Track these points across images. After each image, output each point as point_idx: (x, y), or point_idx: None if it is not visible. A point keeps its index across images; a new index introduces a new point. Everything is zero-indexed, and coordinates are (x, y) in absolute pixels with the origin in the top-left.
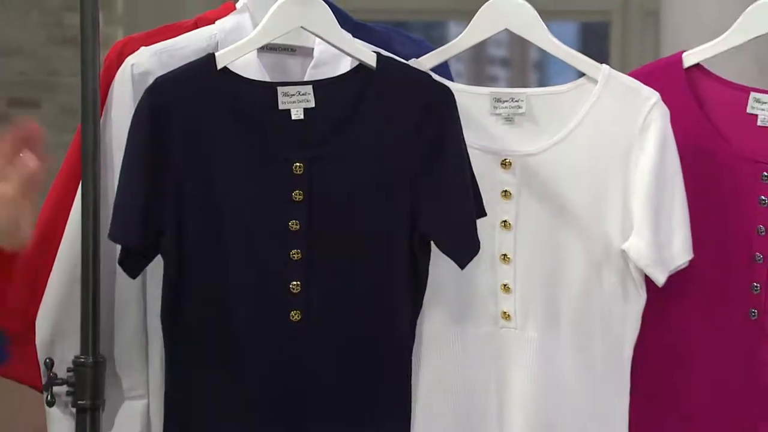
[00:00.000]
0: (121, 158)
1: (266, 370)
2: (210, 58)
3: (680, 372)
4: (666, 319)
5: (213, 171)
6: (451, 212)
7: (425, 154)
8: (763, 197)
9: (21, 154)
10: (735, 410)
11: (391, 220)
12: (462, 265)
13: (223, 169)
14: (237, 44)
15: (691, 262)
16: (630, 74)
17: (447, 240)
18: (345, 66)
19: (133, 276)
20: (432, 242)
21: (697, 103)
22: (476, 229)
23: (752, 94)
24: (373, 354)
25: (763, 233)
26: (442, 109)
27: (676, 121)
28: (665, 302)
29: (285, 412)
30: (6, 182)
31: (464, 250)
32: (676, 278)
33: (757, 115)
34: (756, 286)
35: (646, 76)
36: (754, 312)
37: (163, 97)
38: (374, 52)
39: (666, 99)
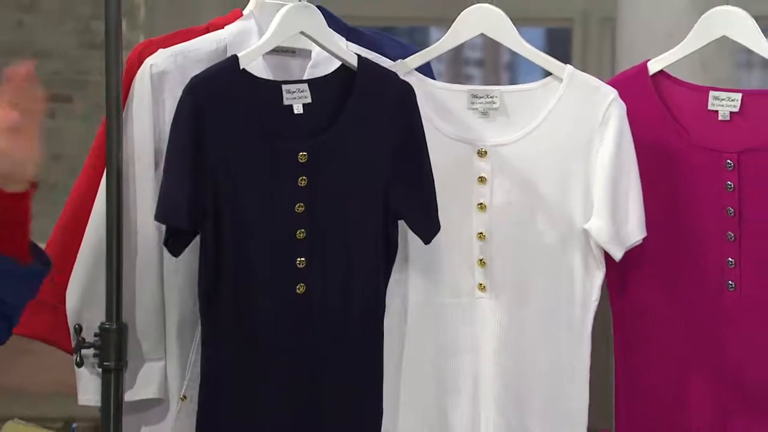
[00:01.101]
0: (140, 146)
1: (278, 336)
2: (234, 60)
3: (659, 338)
4: (649, 295)
5: (237, 159)
6: (419, 195)
7: (398, 143)
8: (729, 182)
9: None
10: (711, 371)
11: (374, 201)
12: (426, 241)
13: (245, 157)
14: (254, 47)
15: (671, 243)
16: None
17: (415, 219)
18: (337, 66)
19: (176, 255)
20: (400, 220)
21: (664, 105)
22: (437, 210)
23: (711, 93)
24: (359, 320)
25: (732, 214)
26: (409, 103)
27: (647, 123)
28: (646, 279)
29: (293, 367)
30: None
31: (429, 228)
32: (656, 258)
33: (717, 111)
34: (731, 261)
35: (618, 83)
36: (731, 284)
37: (199, 96)
38: (355, 54)
39: (636, 103)
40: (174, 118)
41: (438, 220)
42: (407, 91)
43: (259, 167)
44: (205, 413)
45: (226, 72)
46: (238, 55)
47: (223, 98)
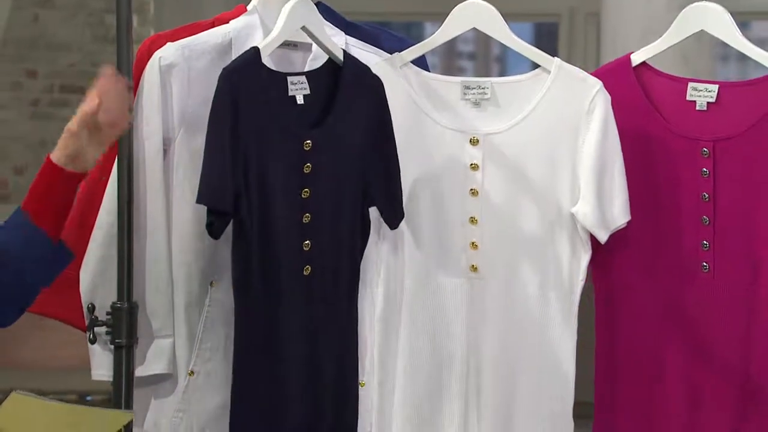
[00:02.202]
0: (149, 133)
1: (292, 318)
2: (256, 52)
3: (638, 316)
4: (629, 275)
5: (261, 146)
6: (389, 184)
7: (374, 133)
8: (704, 169)
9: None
10: (685, 347)
11: (357, 188)
12: (392, 227)
13: (265, 145)
14: (269, 40)
15: (651, 226)
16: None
17: (385, 206)
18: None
19: (216, 237)
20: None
21: (645, 95)
22: (402, 198)
23: (690, 84)
24: (344, 296)
25: (707, 199)
26: (382, 96)
27: (629, 111)
28: (627, 260)
29: (301, 335)
30: (73, 119)
31: (395, 215)
32: (637, 240)
33: (695, 101)
34: (705, 244)
35: (602, 74)
36: (705, 265)
37: (233, 85)
38: (342, 49)
39: (619, 93)
40: (213, 107)
41: (402, 208)
42: (379, 84)
43: (276, 154)
44: (240, 375)
45: (251, 64)
46: (260, 47)
47: (250, 89)
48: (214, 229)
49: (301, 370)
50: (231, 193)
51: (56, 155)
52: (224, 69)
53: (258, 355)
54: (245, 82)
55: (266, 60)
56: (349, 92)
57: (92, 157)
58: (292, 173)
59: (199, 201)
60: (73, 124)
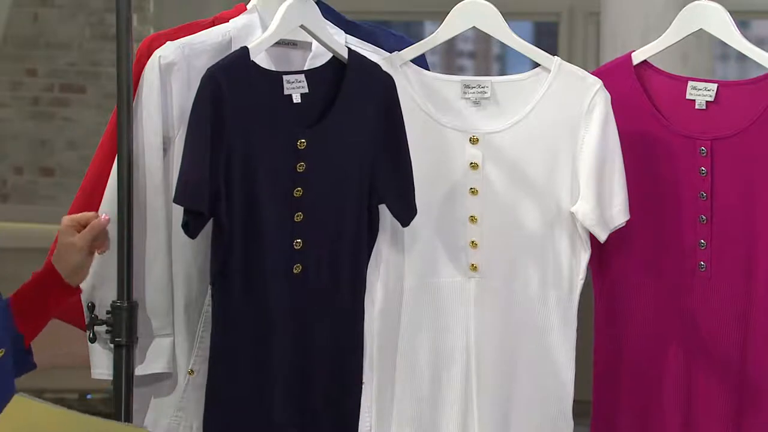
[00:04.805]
0: (149, 133)
1: (279, 314)
2: (245, 52)
3: (637, 314)
4: (628, 273)
5: (247, 146)
6: (400, 181)
7: (382, 132)
8: (702, 168)
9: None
10: (684, 346)
11: (360, 186)
12: (404, 224)
13: (253, 144)
14: (261, 39)
15: (649, 224)
16: (591, 72)
17: (395, 203)
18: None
19: (193, 237)
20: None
21: (645, 94)
22: (415, 195)
23: (689, 83)
24: (346, 296)
25: (705, 198)
26: (392, 93)
27: (629, 110)
28: (626, 258)
29: (292, 343)
30: (77, 235)
31: (407, 212)
32: (636, 238)
33: (694, 100)
34: (703, 243)
35: (604, 72)
36: (702, 264)
37: (217, 85)
38: (346, 46)
39: (620, 91)
40: (194, 106)
41: (415, 204)
42: (390, 82)
43: (265, 154)
44: (214, 383)
45: (239, 62)
46: (249, 47)
47: (237, 88)
48: (189, 228)
49: (285, 367)
50: (207, 193)
51: (61, 266)
52: (209, 68)
53: (236, 353)
54: (232, 81)
55: (260, 59)
56: (354, 90)
57: (88, 271)
58: (284, 172)
59: (175, 201)
60: (78, 241)
